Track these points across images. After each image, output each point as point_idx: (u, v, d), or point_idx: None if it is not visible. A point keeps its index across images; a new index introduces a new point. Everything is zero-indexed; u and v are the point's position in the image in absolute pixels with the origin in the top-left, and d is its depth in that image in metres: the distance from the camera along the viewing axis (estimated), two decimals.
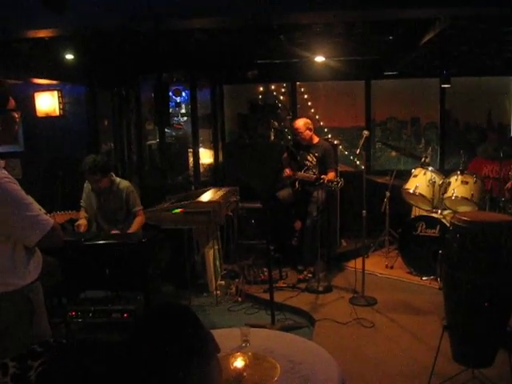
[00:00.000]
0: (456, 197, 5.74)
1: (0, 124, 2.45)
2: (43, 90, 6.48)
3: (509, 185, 5.09)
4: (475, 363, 3.51)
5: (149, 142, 7.48)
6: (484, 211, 5.37)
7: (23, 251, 2.47)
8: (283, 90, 8.21)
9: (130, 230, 5.02)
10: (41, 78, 6.24)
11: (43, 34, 4.52)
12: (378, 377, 3.85)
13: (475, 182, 5.71)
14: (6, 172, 2.40)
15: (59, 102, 6.50)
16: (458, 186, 5.73)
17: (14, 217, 2.36)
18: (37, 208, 2.47)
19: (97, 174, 4.96)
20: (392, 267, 6.32)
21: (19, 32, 4.44)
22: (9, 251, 2.41)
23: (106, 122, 7.25)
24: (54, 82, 6.45)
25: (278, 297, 5.31)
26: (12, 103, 2.53)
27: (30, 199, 2.44)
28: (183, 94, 7.63)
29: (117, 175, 5.47)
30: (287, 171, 6.16)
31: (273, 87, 8.22)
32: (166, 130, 7.26)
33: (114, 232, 4.93)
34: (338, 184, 5.51)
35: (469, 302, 3.31)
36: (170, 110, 7.27)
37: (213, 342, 1.42)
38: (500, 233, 3.26)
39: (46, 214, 2.64)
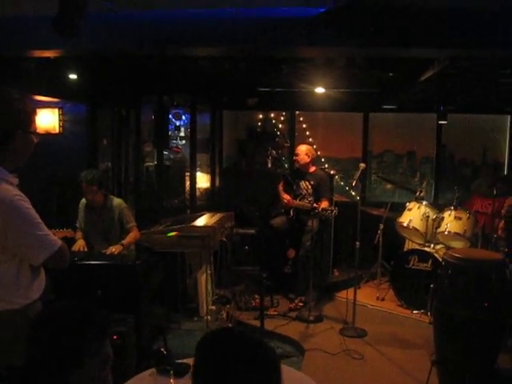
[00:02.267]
0: (449, 232, 5.79)
1: (19, 145, 2.45)
2: (44, 107, 6.51)
3: (501, 225, 5.15)
4: None
5: (146, 164, 7.51)
6: (476, 248, 5.42)
7: (28, 270, 2.48)
8: (282, 118, 8.29)
9: (124, 242, 5.02)
10: (42, 95, 6.28)
11: (49, 53, 4.60)
12: None
13: (468, 218, 5.76)
14: (18, 190, 2.42)
15: (59, 120, 6.51)
16: (451, 222, 5.78)
17: (24, 235, 2.38)
18: (46, 228, 2.48)
19: (94, 184, 5.00)
20: (383, 299, 6.33)
21: (25, 50, 4.50)
22: (15, 269, 2.42)
23: (104, 142, 7.28)
24: (55, 99, 6.49)
25: (269, 325, 5.30)
26: (35, 126, 2.54)
27: (39, 218, 2.46)
28: (183, 117, 7.70)
29: (113, 195, 5.50)
30: (286, 197, 6.19)
31: (272, 115, 8.30)
32: (164, 152, 7.29)
33: (108, 250, 4.92)
34: (332, 212, 5.56)
35: (458, 338, 3.34)
36: (170, 133, 7.34)
37: None
38: (490, 271, 3.31)
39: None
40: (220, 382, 1.32)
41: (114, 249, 4.90)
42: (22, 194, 2.42)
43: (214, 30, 3.90)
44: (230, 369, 1.32)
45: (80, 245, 5.05)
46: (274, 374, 1.36)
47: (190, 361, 2.45)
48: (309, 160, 6.26)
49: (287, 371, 2.81)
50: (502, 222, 5.20)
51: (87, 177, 5.00)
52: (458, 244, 5.83)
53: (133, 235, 5.21)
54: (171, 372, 2.31)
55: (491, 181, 6.37)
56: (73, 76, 5.72)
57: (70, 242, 5.02)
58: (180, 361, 2.79)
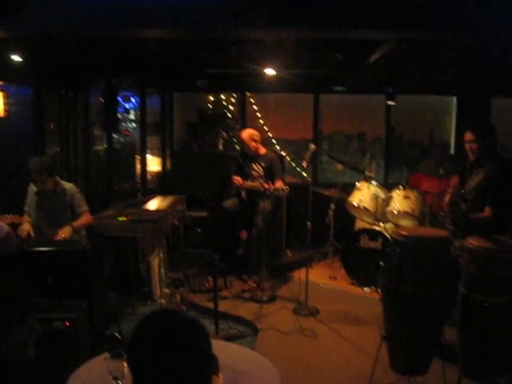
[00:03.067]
0: (398, 211, 5.92)
1: None
2: None
3: (446, 199, 5.29)
4: (411, 371, 3.66)
5: (96, 148, 7.38)
6: (423, 226, 5.56)
7: None
8: (233, 100, 8.27)
9: (74, 224, 4.96)
10: None
11: None
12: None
13: (416, 197, 5.91)
14: None
15: (4, 103, 6.34)
16: (400, 201, 5.92)
17: None
18: None
19: (43, 173, 4.89)
20: (335, 278, 6.44)
21: None
22: None
23: (52, 126, 7.12)
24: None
25: (223, 306, 5.33)
26: None
27: None
28: (132, 100, 7.59)
29: (62, 180, 5.39)
30: (238, 179, 6.18)
31: (223, 97, 8.26)
32: (113, 135, 7.19)
33: (57, 235, 4.84)
34: (283, 192, 5.61)
35: (406, 313, 3.45)
36: (119, 116, 7.22)
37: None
38: (437, 248, 3.42)
39: None
40: (151, 356, 1.35)
41: (64, 232, 4.83)
42: None
43: (161, 12, 3.85)
44: (160, 343, 1.37)
45: (25, 229, 4.93)
46: (202, 345, 1.40)
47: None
48: (256, 144, 6.27)
49: (242, 351, 2.85)
50: (448, 196, 5.34)
51: (36, 166, 4.88)
52: (406, 223, 5.98)
53: (84, 218, 5.15)
54: (124, 356, 2.30)
55: (438, 161, 6.54)
56: (17, 58, 5.55)
57: (16, 227, 4.92)
58: None
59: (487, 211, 4.54)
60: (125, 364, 2.32)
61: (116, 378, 2.30)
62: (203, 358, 1.38)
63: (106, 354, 2.44)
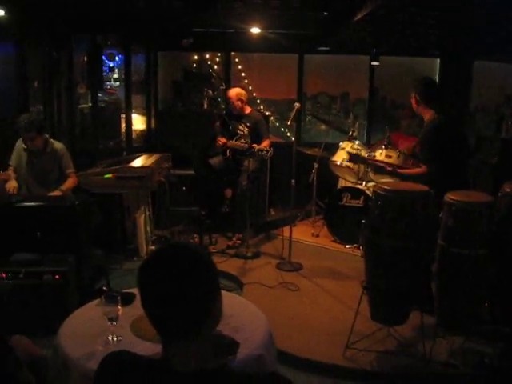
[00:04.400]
0: None
1: None
2: None
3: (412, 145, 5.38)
4: (391, 322, 3.82)
5: (80, 106, 7.32)
6: (404, 182, 5.68)
7: None
8: (218, 59, 8.24)
9: (62, 187, 5.01)
10: None
11: None
12: (302, 333, 4.11)
13: (398, 157, 6.00)
14: None
15: None
16: (382, 160, 6.01)
17: None
18: None
19: (32, 131, 4.87)
20: (318, 236, 6.59)
21: None
22: None
23: (35, 84, 7.04)
24: None
25: None
26: None
27: None
28: (117, 58, 7.53)
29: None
30: (221, 140, 6.23)
31: (207, 56, 8.22)
32: (98, 94, 7.15)
33: (50, 194, 4.88)
34: (267, 153, 5.68)
35: (388, 264, 3.57)
36: (103, 74, 7.18)
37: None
38: (416, 201, 3.54)
39: None
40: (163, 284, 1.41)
41: (53, 195, 4.89)
42: None
43: None
44: (170, 270, 1.42)
45: (12, 185, 4.95)
46: (214, 280, 1.49)
47: (135, 291, 2.55)
48: (242, 104, 6.30)
49: (228, 296, 2.96)
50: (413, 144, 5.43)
51: (24, 123, 4.84)
52: (388, 179, 6.09)
53: (71, 181, 5.18)
54: (118, 298, 2.40)
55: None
56: (0, 12, 5.47)
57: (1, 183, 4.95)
58: (126, 291, 2.89)
59: (422, 168, 4.62)
60: (119, 307, 2.42)
61: (111, 319, 2.39)
62: (209, 282, 1.47)
63: (100, 299, 2.53)
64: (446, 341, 3.89)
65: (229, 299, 2.87)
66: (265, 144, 5.94)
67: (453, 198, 3.81)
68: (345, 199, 6.21)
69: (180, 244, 1.55)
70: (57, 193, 4.96)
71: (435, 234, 3.87)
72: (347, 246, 6.11)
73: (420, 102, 4.62)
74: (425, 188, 3.68)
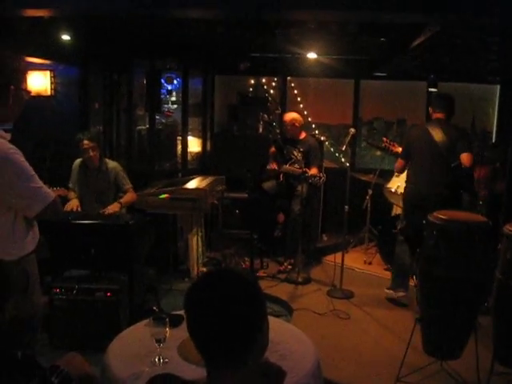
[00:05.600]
0: None
1: (11, 100, 2.51)
2: (36, 69, 6.48)
3: (483, 193, 5.30)
4: (444, 355, 3.69)
5: (138, 128, 7.53)
6: (461, 211, 5.54)
7: (23, 222, 2.56)
8: (274, 83, 8.31)
9: (121, 200, 5.11)
10: (35, 57, 6.25)
11: (42, 13, 4.58)
12: (350, 364, 4.01)
13: None
14: (11, 144, 2.49)
15: (51, 82, 6.50)
16: None
17: (19, 187, 2.45)
18: (39, 180, 2.55)
19: (94, 141, 5.11)
20: (370, 263, 6.47)
21: (18, 9, 4.48)
22: (10, 221, 2.50)
23: (96, 105, 7.28)
24: (48, 61, 6.47)
25: None
26: (26, 84, 2.62)
27: (33, 171, 2.53)
28: (175, 81, 7.70)
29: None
30: (272, 165, 6.26)
31: (264, 80, 8.31)
32: (156, 116, 7.32)
33: (106, 210, 4.98)
34: (320, 179, 5.66)
35: (440, 296, 3.47)
36: (162, 97, 7.35)
37: None
38: (473, 232, 3.43)
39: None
40: (209, 316, 1.40)
41: (112, 208, 4.98)
42: (15, 148, 2.49)
43: None
44: (218, 304, 1.41)
45: (74, 204, 5.10)
46: (261, 308, 1.46)
47: (184, 313, 2.55)
48: (298, 128, 6.31)
49: (277, 323, 2.93)
50: (483, 192, 5.34)
51: (87, 134, 5.12)
52: (444, 211, 5.94)
53: (130, 195, 5.28)
54: (167, 320, 2.42)
55: (479, 149, 6.46)
56: (65, 37, 5.70)
57: (62, 201, 5.07)
58: (175, 313, 2.90)
59: None
60: (167, 329, 2.43)
61: (159, 341, 2.40)
62: (256, 309, 1.45)
63: (149, 320, 2.55)
64: (502, 377, 3.72)
65: (277, 325, 2.85)
66: (313, 171, 5.90)
67: (511, 228, 3.67)
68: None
69: (228, 270, 1.55)
70: (116, 205, 5.05)
71: (494, 267, 3.73)
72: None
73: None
74: (482, 218, 3.57)
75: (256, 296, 1.45)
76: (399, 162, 5.36)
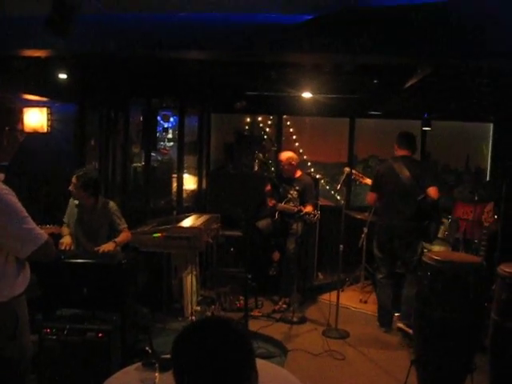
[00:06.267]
0: None
1: (6, 142, 2.53)
2: (32, 106, 6.52)
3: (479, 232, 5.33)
4: None
5: (134, 165, 7.54)
6: (455, 251, 5.54)
7: (15, 263, 2.54)
8: (269, 122, 8.37)
9: (116, 240, 5.04)
10: (31, 95, 6.30)
11: (39, 53, 4.63)
12: None
13: (450, 223, 5.88)
14: (4, 185, 2.49)
15: (47, 119, 6.52)
16: None
17: (11, 228, 2.44)
18: (32, 221, 2.54)
19: (89, 189, 5.00)
20: (366, 302, 6.42)
21: (15, 50, 4.53)
22: (1, 262, 2.48)
23: (92, 142, 7.31)
24: (44, 99, 6.51)
25: (253, 325, 5.38)
26: (21, 124, 2.64)
27: (26, 213, 2.52)
28: (171, 119, 7.76)
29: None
30: (272, 201, 6.27)
31: (260, 119, 8.37)
32: (152, 153, 7.34)
33: (100, 248, 4.92)
34: (314, 216, 5.67)
35: (436, 338, 3.43)
36: (158, 135, 7.39)
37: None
38: (468, 273, 3.41)
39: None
40: (198, 368, 1.38)
41: (107, 247, 4.92)
42: (8, 188, 2.49)
43: (203, 34, 3.97)
44: (206, 355, 1.39)
45: (67, 242, 5.03)
46: (249, 358, 1.44)
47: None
48: (293, 167, 6.34)
49: (270, 367, 2.87)
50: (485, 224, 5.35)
51: (77, 172, 5.00)
52: (439, 248, 5.94)
53: (125, 235, 5.21)
54: (156, 365, 2.37)
55: (473, 187, 6.49)
56: (62, 76, 5.75)
57: (56, 238, 5.03)
58: (165, 356, 2.85)
59: None
60: (156, 374, 2.39)
61: None
62: (243, 361, 1.42)
63: (138, 364, 2.51)
64: None
65: (271, 370, 2.80)
66: (308, 209, 5.90)
67: (507, 270, 3.66)
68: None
69: (216, 319, 1.53)
70: (110, 244, 4.97)
71: (488, 308, 3.70)
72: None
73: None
74: (476, 259, 3.56)
75: (243, 346, 1.43)
76: (370, 196, 5.65)
